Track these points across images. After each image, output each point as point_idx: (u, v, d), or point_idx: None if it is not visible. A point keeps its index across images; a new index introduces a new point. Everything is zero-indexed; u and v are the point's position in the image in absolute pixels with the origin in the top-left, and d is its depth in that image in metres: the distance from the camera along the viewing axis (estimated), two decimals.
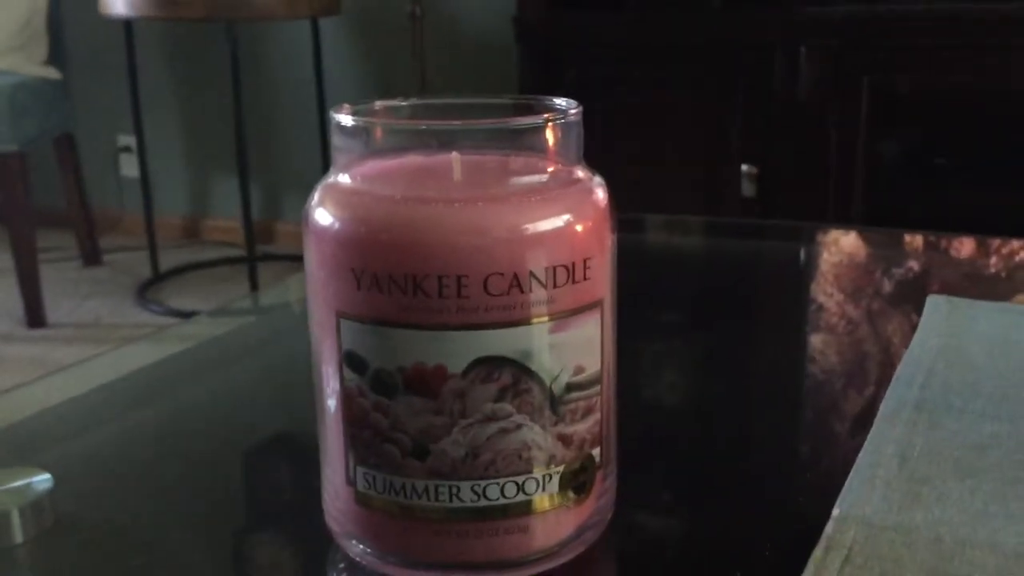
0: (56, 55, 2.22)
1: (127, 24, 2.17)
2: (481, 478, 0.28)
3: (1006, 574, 0.28)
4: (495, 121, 0.29)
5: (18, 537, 0.32)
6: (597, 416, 0.29)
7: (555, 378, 0.28)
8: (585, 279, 0.28)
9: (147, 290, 2.24)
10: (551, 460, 0.28)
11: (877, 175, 1.56)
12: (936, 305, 0.50)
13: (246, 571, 0.33)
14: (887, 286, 0.60)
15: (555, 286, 0.27)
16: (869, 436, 0.36)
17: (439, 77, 2.18)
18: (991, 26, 1.46)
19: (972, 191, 1.51)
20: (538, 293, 0.27)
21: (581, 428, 0.29)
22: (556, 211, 0.28)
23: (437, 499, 0.28)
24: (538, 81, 1.74)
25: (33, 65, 2.16)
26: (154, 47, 2.49)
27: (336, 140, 0.29)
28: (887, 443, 0.35)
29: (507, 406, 0.27)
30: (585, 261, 0.28)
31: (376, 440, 0.28)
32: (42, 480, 0.33)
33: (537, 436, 0.28)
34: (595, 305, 0.29)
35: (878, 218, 1.53)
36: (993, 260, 0.64)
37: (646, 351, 0.50)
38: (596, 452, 0.30)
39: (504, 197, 0.28)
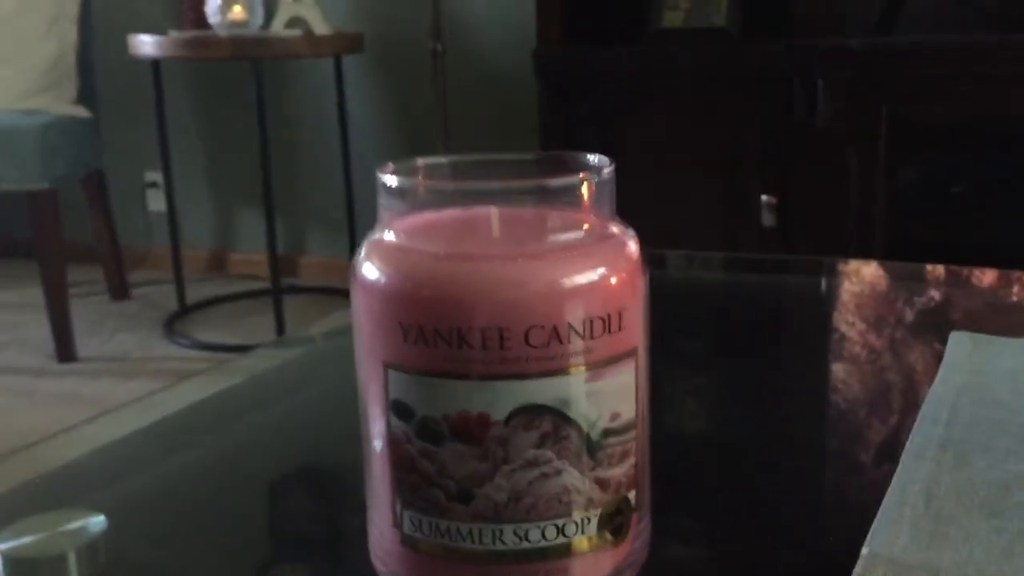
0: (86, 94, 2.27)
1: (155, 64, 2.22)
2: (523, 521, 0.29)
3: None
4: (535, 181, 0.30)
5: None
6: (632, 460, 0.31)
7: (593, 424, 0.29)
8: (620, 329, 0.29)
9: (174, 323, 2.27)
10: (589, 503, 0.30)
11: (897, 203, 1.57)
12: (959, 342, 0.51)
13: None
14: (910, 319, 0.61)
15: (592, 337, 0.29)
16: (896, 474, 0.37)
17: (460, 112, 2.21)
18: (1007, 57, 1.47)
19: (992, 219, 1.52)
20: (576, 344, 0.28)
21: (618, 472, 0.30)
22: (592, 265, 0.29)
23: (481, 541, 0.29)
24: (557, 114, 1.76)
25: (63, 104, 2.21)
26: (181, 85, 2.54)
27: (381, 198, 0.31)
28: (914, 482, 0.36)
29: (547, 452, 0.29)
30: (620, 312, 0.29)
31: (422, 485, 0.29)
32: (97, 522, 0.35)
33: (576, 480, 0.29)
34: (630, 353, 0.30)
35: (899, 246, 1.54)
36: (1015, 290, 0.64)
37: (674, 391, 0.51)
38: (632, 495, 0.31)
39: (543, 253, 0.29)
